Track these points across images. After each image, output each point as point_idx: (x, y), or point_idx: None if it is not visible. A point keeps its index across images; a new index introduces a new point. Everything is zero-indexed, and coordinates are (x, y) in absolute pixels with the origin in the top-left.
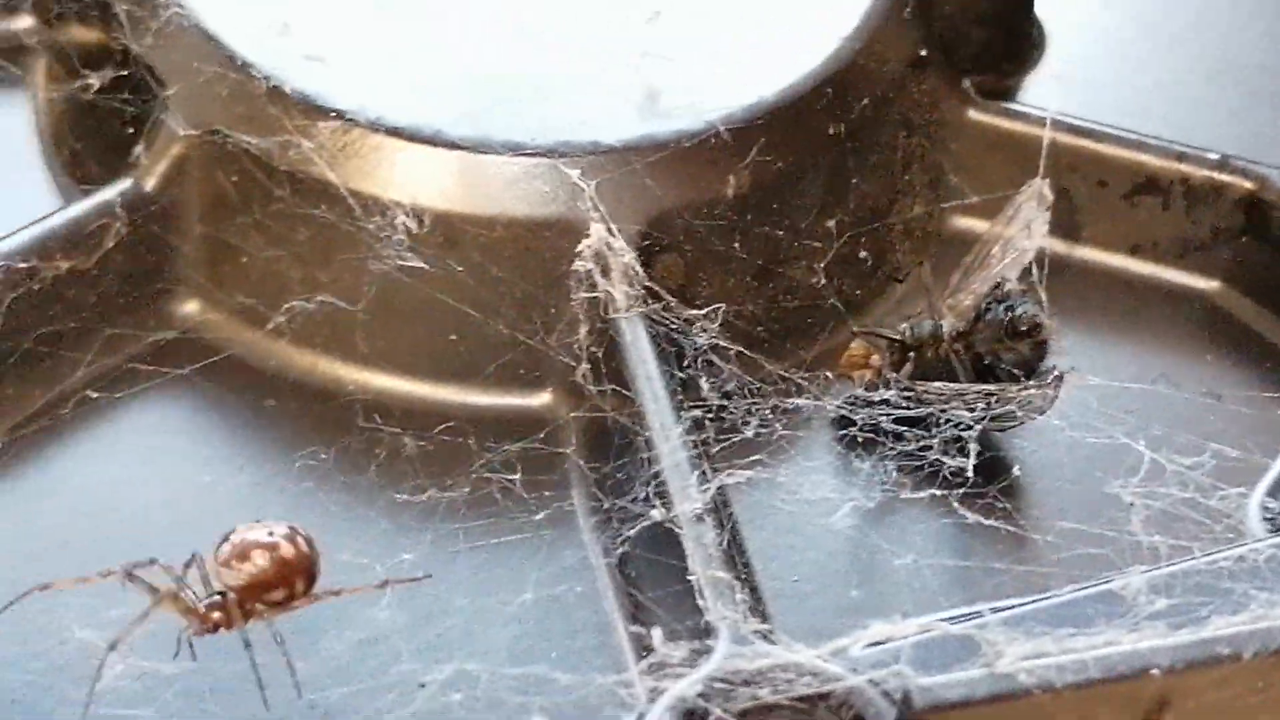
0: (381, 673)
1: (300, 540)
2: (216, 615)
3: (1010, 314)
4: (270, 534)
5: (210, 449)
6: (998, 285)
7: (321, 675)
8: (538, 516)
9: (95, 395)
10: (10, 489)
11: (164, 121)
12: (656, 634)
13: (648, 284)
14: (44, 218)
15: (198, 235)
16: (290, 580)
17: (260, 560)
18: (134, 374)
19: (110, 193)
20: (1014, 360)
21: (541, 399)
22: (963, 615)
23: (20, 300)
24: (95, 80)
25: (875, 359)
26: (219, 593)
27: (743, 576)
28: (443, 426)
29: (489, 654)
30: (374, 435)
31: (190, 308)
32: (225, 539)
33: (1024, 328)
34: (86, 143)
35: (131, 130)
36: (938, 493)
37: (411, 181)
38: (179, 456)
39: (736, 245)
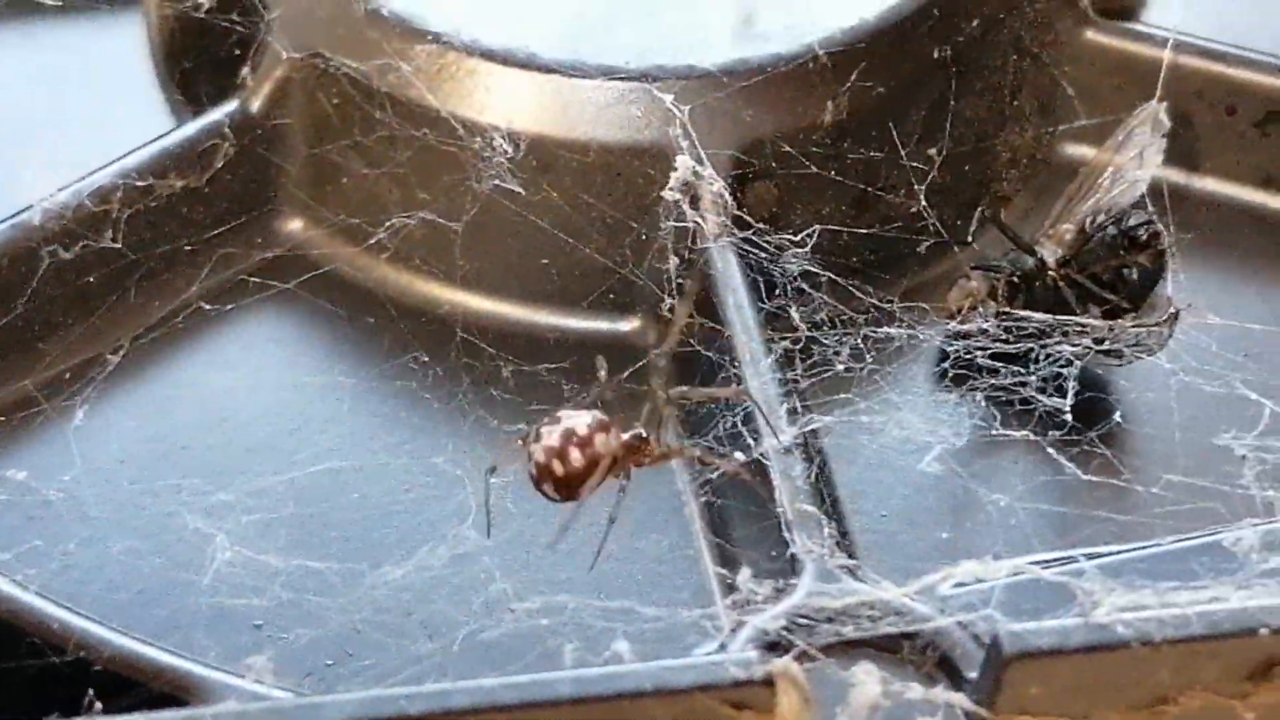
0: (475, 591)
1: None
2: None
3: (1124, 226)
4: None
5: (313, 360)
6: (1107, 211)
7: (418, 586)
8: None
9: (208, 308)
10: (133, 394)
11: (269, 44)
12: (743, 573)
13: (738, 212)
14: (158, 137)
15: (302, 156)
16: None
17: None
18: (243, 288)
19: (218, 114)
20: (1136, 275)
21: (631, 324)
22: (1057, 559)
23: (138, 217)
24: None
25: (979, 291)
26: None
27: (830, 512)
28: (535, 352)
29: (576, 585)
30: (470, 349)
31: (295, 225)
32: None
33: (1143, 236)
34: (197, 62)
35: (239, 51)
36: (1032, 435)
37: (506, 105)
38: (285, 365)
39: (833, 172)
